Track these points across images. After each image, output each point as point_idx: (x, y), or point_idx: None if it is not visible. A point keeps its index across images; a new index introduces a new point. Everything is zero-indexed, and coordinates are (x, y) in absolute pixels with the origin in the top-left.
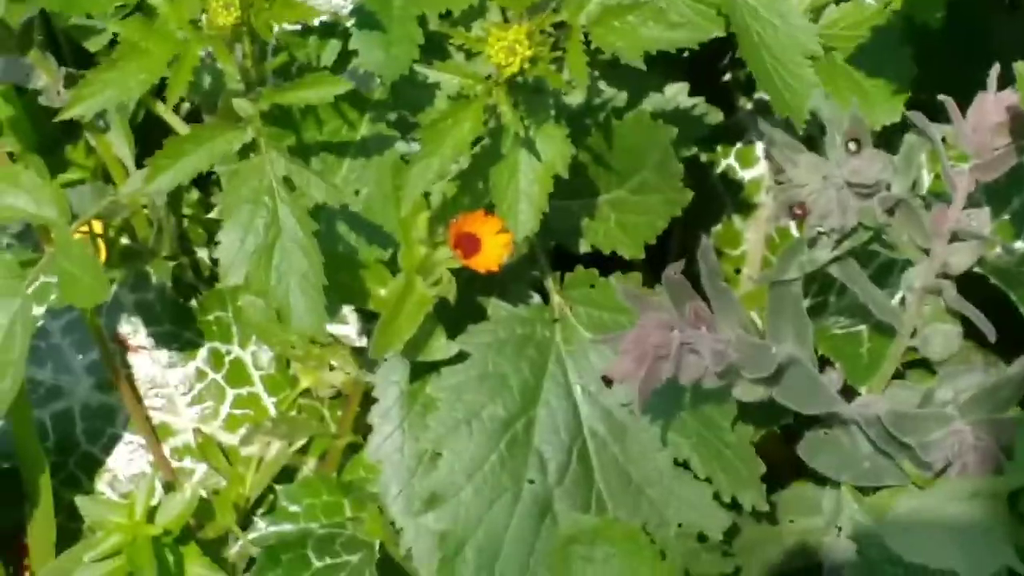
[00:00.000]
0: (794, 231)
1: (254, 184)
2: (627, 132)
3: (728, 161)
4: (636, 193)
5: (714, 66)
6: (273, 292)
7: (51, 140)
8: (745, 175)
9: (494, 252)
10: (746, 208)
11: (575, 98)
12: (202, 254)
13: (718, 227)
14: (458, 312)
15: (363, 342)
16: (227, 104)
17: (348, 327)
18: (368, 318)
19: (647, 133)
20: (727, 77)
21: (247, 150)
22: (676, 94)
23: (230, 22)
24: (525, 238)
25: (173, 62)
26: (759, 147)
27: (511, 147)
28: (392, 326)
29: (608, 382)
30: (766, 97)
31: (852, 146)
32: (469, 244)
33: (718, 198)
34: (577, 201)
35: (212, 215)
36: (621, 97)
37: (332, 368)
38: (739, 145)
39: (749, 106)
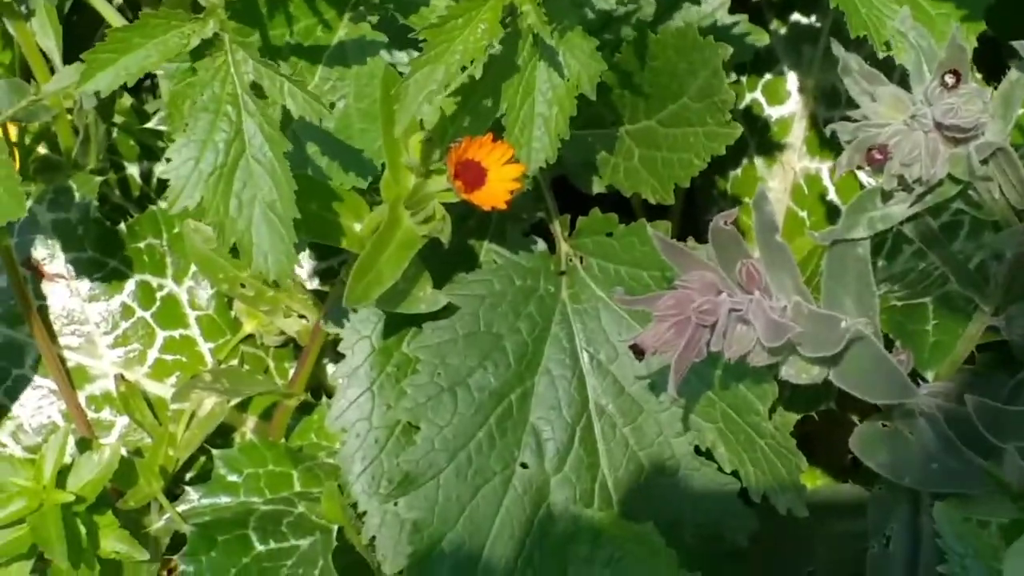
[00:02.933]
0: (826, 181)
1: (214, 90)
2: (665, 50)
3: (753, 95)
4: (670, 124)
5: None
6: (232, 223)
7: None
8: (773, 112)
9: (501, 185)
10: (771, 151)
11: (602, 4)
12: (133, 170)
13: (736, 171)
14: (444, 256)
15: (315, 283)
16: None
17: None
18: (325, 254)
19: (692, 52)
20: None
21: (204, 48)
22: (714, 9)
23: None
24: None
25: None
26: (790, 81)
27: (528, 58)
28: (371, 270)
29: (639, 353)
30: (804, 21)
31: (949, 80)
32: (471, 174)
33: (738, 138)
34: (594, 130)
35: (149, 125)
36: (650, 8)
37: (287, 314)
38: (768, 77)
39: (782, 31)
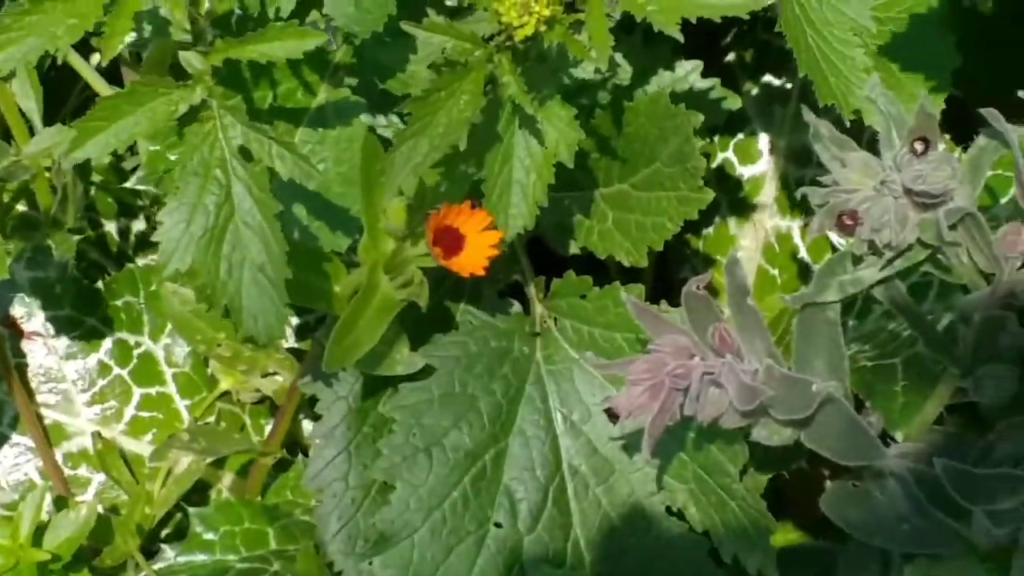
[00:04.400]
0: (797, 239)
1: (203, 154)
2: (638, 116)
3: (725, 155)
4: (643, 188)
5: (715, 44)
6: (223, 286)
7: None
8: (744, 172)
9: (479, 252)
10: (743, 210)
11: (579, 72)
12: (111, 227)
13: (709, 230)
14: (420, 317)
15: (292, 340)
16: (158, 57)
17: None
18: (301, 311)
19: (664, 119)
20: (730, 57)
21: (192, 114)
22: (688, 74)
23: None
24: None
25: (110, 5)
26: (762, 140)
27: (507, 126)
28: (349, 335)
29: (613, 416)
30: (775, 82)
31: (918, 147)
32: (449, 241)
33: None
34: (570, 193)
35: (127, 185)
36: (625, 73)
37: (264, 373)
38: (740, 137)
39: (755, 92)
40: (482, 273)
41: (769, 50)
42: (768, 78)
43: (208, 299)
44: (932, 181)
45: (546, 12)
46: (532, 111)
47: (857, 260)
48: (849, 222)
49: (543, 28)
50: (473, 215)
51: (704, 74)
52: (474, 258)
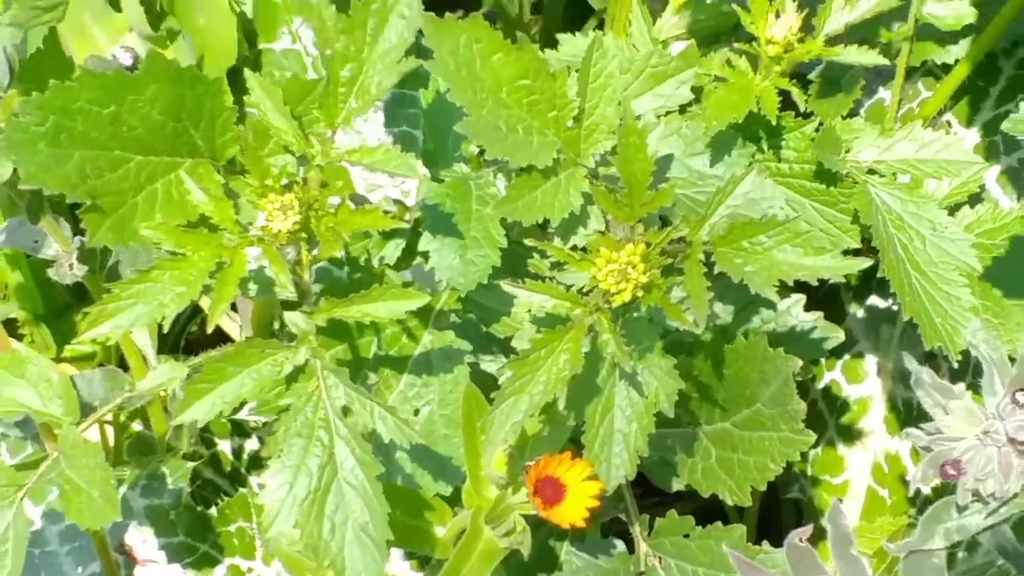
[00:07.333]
0: (907, 460)
1: (307, 415)
2: (738, 358)
3: (832, 375)
4: (745, 428)
5: None
6: (326, 546)
7: (60, 305)
8: (852, 392)
9: (580, 503)
10: (851, 431)
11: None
12: (224, 447)
13: (816, 451)
14: (525, 559)
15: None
16: (264, 315)
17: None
18: None
19: (763, 361)
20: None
21: (296, 373)
22: (790, 308)
23: (287, 228)
24: None
25: (217, 271)
26: (869, 361)
27: (607, 377)
28: None
29: None
30: (881, 304)
31: (1020, 397)
32: (551, 490)
33: (818, 417)
34: (672, 430)
35: (239, 416)
36: (727, 313)
37: None
38: (846, 357)
39: (860, 313)
40: (583, 524)
41: (874, 271)
42: (874, 299)
43: (312, 557)
44: None
45: (643, 279)
46: (632, 368)
47: (962, 507)
48: (952, 472)
49: (640, 293)
50: (574, 465)
51: (808, 301)
52: (575, 509)
